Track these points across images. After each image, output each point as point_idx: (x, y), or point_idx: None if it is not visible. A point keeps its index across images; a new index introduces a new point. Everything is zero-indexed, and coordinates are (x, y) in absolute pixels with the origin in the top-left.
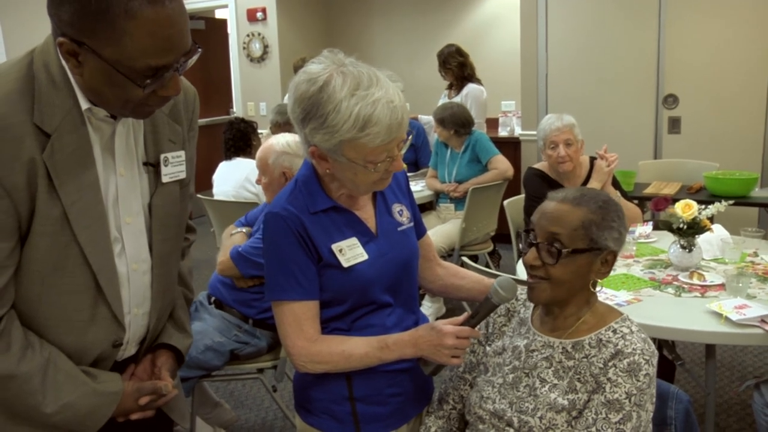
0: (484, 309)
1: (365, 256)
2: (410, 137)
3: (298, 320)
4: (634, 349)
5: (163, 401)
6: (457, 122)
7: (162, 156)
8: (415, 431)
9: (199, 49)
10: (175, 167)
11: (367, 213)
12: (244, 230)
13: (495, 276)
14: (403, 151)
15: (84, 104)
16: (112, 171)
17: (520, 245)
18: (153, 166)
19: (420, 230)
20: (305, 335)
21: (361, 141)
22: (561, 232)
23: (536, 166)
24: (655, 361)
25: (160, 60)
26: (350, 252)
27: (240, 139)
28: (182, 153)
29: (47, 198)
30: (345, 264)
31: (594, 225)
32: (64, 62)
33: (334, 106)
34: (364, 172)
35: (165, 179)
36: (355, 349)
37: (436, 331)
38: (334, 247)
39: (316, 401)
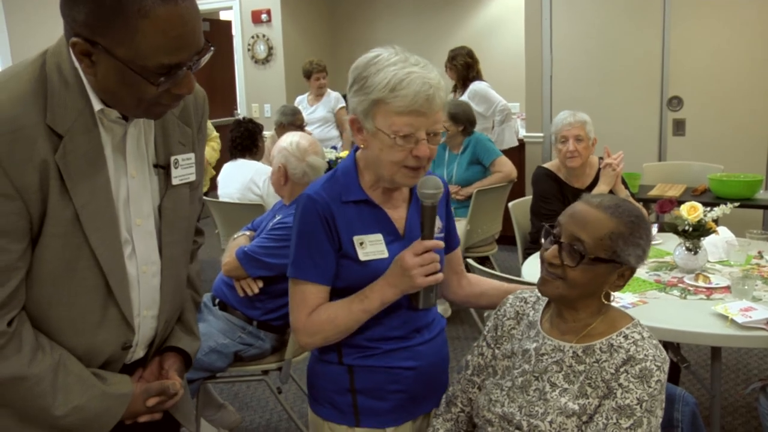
0: (426, 217)
1: (385, 255)
2: (443, 136)
3: (306, 301)
4: (645, 355)
5: (172, 403)
6: (467, 119)
7: (172, 158)
8: (422, 431)
9: (212, 48)
10: (185, 169)
11: (398, 213)
12: (247, 233)
13: (510, 281)
14: None
15: (97, 105)
16: (123, 172)
17: (542, 240)
18: (163, 169)
19: (452, 243)
20: (308, 313)
21: (389, 103)
22: (586, 238)
23: (545, 165)
24: (666, 367)
25: (173, 58)
26: (371, 247)
27: (247, 138)
28: (192, 155)
29: (59, 199)
30: (362, 258)
31: (621, 238)
32: (77, 63)
33: (377, 70)
34: (390, 149)
35: (175, 181)
36: (338, 310)
37: (397, 259)
38: (356, 239)
39: (321, 390)
